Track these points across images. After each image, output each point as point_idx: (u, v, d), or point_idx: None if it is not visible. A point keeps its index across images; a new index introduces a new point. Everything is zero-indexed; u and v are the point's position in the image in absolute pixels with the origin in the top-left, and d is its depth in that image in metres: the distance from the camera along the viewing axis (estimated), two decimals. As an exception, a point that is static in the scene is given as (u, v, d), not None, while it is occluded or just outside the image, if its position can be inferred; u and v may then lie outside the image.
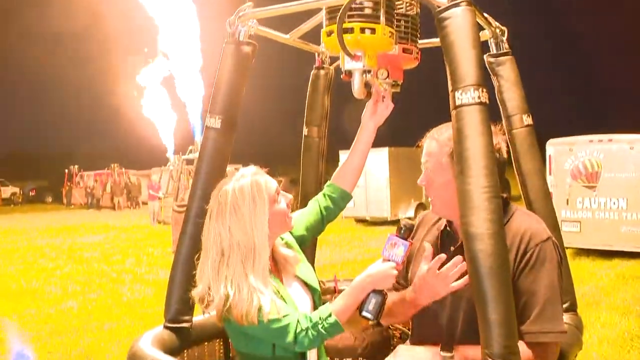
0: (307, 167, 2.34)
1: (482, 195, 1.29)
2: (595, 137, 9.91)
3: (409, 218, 1.92)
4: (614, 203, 9.64)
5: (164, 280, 8.60)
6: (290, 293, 1.79)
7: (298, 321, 1.65)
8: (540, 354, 1.48)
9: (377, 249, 9.20)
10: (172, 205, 12.08)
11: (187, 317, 1.84)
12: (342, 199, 1.99)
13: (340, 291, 2.00)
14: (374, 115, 1.96)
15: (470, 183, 1.31)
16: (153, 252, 11.96)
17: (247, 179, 1.67)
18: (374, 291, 1.68)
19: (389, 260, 1.68)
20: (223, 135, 1.74)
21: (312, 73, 2.30)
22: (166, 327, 1.82)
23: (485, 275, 1.24)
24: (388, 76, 1.86)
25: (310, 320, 1.66)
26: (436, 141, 1.71)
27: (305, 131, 2.35)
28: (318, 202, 1.98)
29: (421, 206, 15.72)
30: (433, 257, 1.71)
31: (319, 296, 1.88)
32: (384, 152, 14.52)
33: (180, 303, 1.80)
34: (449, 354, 1.49)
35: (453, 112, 1.35)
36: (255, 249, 1.66)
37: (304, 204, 2.09)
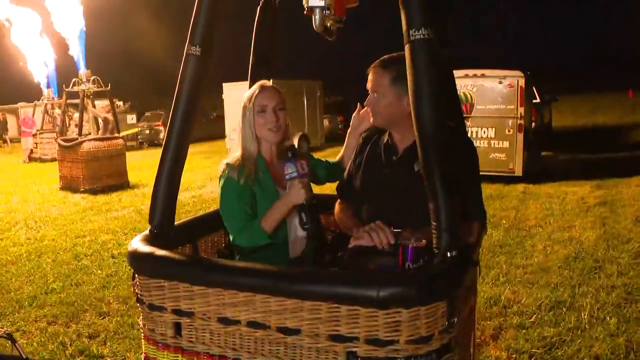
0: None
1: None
2: (470, 71, 10.87)
3: (292, 146, 2.19)
4: (484, 132, 10.78)
5: (59, 216, 8.53)
6: (280, 193, 2.25)
7: (242, 221, 2.19)
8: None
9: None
10: (58, 141, 11.52)
11: (169, 225, 2.11)
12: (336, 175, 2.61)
13: None
14: (362, 122, 2.55)
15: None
16: (39, 190, 11.45)
17: (255, 86, 2.34)
18: (299, 207, 2.11)
19: (303, 177, 2.12)
20: (202, 62, 1.98)
21: (259, 8, 2.55)
22: (151, 232, 2.08)
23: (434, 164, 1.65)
24: (335, 13, 2.19)
25: (249, 223, 2.17)
26: (381, 70, 2.13)
27: (252, 60, 2.63)
28: (327, 169, 2.64)
29: (304, 137, 16.43)
30: (380, 166, 2.16)
31: None
32: (245, 86, 14.63)
33: (163, 212, 2.06)
34: (398, 230, 1.92)
35: (407, 46, 1.72)
36: (243, 138, 2.28)
37: None
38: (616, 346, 3.60)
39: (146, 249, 1.90)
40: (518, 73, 10.58)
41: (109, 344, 3.96)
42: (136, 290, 1.95)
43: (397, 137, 2.22)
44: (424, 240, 1.73)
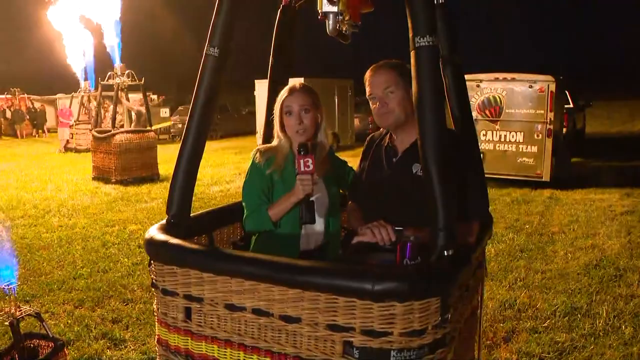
0: (273, 97, 2.73)
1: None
2: (500, 75, 10.80)
3: (304, 143, 2.27)
4: (513, 136, 10.69)
5: (90, 205, 8.81)
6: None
7: (254, 205, 2.33)
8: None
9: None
10: (93, 132, 11.86)
11: (185, 215, 2.23)
12: None
13: None
14: None
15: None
16: (72, 179, 11.81)
17: (283, 90, 2.44)
18: (301, 202, 2.23)
19: (303, 174, 2.19)
20: (220, 62, 2.09)
21: (279, 11, 2.66)
22: (168, 222, 2.20)
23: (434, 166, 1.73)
24: (350, 18, 2.28)
25: (259, 208, 2.32)
26: (387, 68, 2.23)
27: (271, 62, 2.73)
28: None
29: (334, 136, 16.58)
30: (381, 168, 2.26)
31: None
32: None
33: (180, 203, 2.18)
34: (399, 228, 2.00)
35: (412, 52, 1.80)
36: (277, 134, 2.42)
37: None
38: (629, 355, 3.60)
39: (161, 237, 2.02)
40: (549, 77, 10.47)
41: (130, 329, 4.12)
42: (152, 276, 2.08)
43: (397, 139, 2.31)
44: (422, 239, 1.81)
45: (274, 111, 2.44)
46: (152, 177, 11.44)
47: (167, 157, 14.67)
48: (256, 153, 2.42)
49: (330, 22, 2.14)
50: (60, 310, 4.49)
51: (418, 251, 1.79)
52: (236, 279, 1.82)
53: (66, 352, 3.10)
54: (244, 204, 2.40)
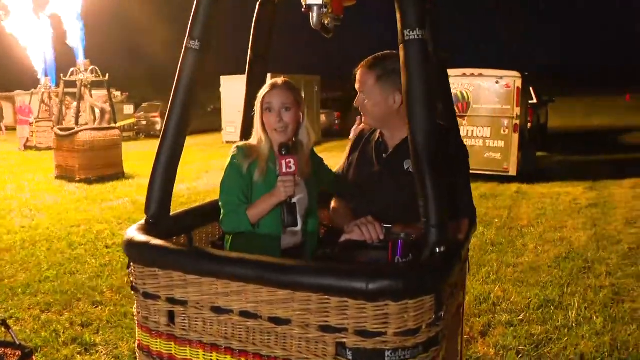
0: (251, 91, 2.66)
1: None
2: (467, 70, 10.92)
3: (285, 143, 2.20)
4: (480, 131, 10.84)
5: (54, 204, 8.55)
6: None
7: (232, 205, 2.23)
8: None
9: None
10: (55, 130, 11.52)
11: (165, 215, 2.15)
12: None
13: None
14: None
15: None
16: (34, 178, 11.44)
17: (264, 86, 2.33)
18: (283, 204, 2.15)
19: (286, 175, 2.12)
20: (201, 56, 2.01)
21: (258, 4, 2.59)
22: (147, 222, 2.12)
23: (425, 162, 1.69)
24: (333, 11, 2.23)
25: (236, 211, 2.22)
26: (366, 70, 2.19)
27: (250, 56, 2.66)
28: (330, 182, 2.56)
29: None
30: (371, 164, 2.22)
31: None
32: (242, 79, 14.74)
33: (159, 203, 2.09)
34: (387, 225, 1.97)
35: (401, 46, 1.76)
36: (256, 131, 2.32)
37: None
38: (601, 344, 3.67)
39: (142, 238, 1.94)
40: (515, 73, 10.63)
41: (101, 332, 3.99)
42: (131, 279, 1.99)
43: (387, 135, 2.27)
44: (413, 236, 1.77)
45: (255, 108, 2.35)
46: (117, 175, 11.18)
47: (132, 155, 14.35)
48: (235, 150, 2.33)
49: (315, 14, 2.09)
50: (26, 316, 4.32)
51: (409, 248, 1.76)
52: (222, 280, 1.76)
53: (34, 359, 2.98)
54: (221, 203, 2.31)
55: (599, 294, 4.57)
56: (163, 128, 2.09)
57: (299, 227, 2.33)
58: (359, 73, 2.25)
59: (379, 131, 2.32)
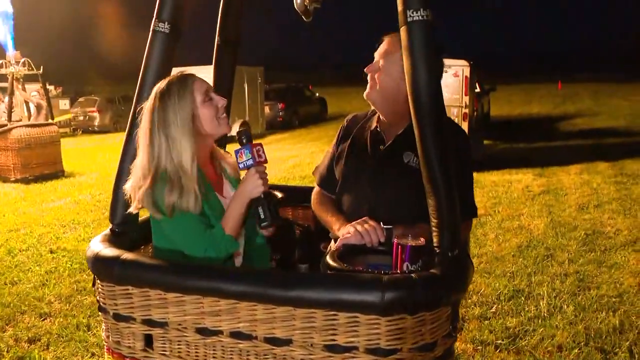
0: (219, 76, 2.43)
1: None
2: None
3: (244, 130, 1.96)
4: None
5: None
6: (223, 203, 1.93)
7: (201, 236, 1.77)
8: None
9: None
10: (-15, 127, 10.74)
11: (132, 222, 1.90)
12: None
13: None
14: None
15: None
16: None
17: (175, 77, 1.79)
18: (256, 200, 1.82)
19: (248, 169, 1.82)
20: (171, 40, 1.77)
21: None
22: (113, 231, 1.86)
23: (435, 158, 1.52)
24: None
25: (213, 239, 1.78)
26: (394, 41, 1.94)
27: (217, 42, 2.42)
28: None
29: (245, 124, 16.22)
30: (365, 155, 2.01)
31: None
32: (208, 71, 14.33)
33: (125, 207, 1.84)
34: (388, 226, 1.78)
35: (403, 28, 1.57)
36: (176, 140, 1.75)
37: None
38: (576, 334, 3.64)
39: (110, 252, 1.68)
40: (463, 62, 10.70)
41: (52, 348, 3.65)
42: (98, 298, 1.74)
43: (386, 123, 2.06)
44: (422, 239, 1.60)
45: (172, 113, 1.76)
46: (57, 174, 10.55)
47: (71, 152, 13.67)
48: (159, 200, 1.75)
49: (299, -5, 1.89)
50: (-37, 333, 3.91)
51: (419, 253, 1.59)
52: (209, 298, 1.54)
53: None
54: (186, 251, 1.77)
55: (565, 282, 4.57)
56: (129, 123, 1.83)
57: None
58: (389, 38, 2.01)
59: (375, 119, 2.11)
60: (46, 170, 10.44)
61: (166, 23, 1.75)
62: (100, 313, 1.74)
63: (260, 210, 1.81)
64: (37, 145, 10.31)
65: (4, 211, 7.85)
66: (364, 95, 2.05)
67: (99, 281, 1.71)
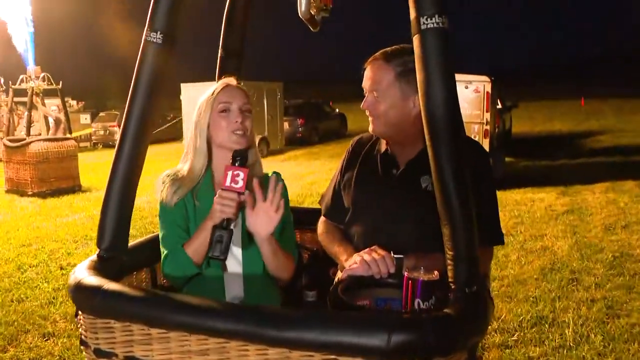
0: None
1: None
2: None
3: (242, 152, 1.88)
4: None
5: (3, 222, 7.91)
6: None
7: (170, 244, 1.87)
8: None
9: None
10: (4, 141, 10.82)
11: (121, 247, 1.76)
12: None
13: None
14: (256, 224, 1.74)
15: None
16: (-19, 193, 10.71)
17: (213, 86, 1.96)
18: (215, 228, 1.69)
19: (230, 190, 1.69)
20: (164, 51, 1.63)
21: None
22: (100, 257, 1.72)
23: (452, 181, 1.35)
24: (322, 0, 1.89)
25: (174, 246, 1.85)
26: (384, 64, 1.78)
27: (221, 54, 2.29)
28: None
29: (264, 140, 16.15)
30: (377, 181, 1.84)
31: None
32: (204, 87, 14.25)
33: (115, 233, 1.70)
34: (399, 256, 1.61)
35: (417, 36, 1.42)
36: (197, 140, 1.93)
37: None
38: (605, 367, 3.41)
39: (92, 280, 1.54)
40: (484, 78, 10.50)
41: (52, 371, 3.53)
42: (80, 331, 1.59)
43: (399, 146, 1.89)
44: (435, 272, 1.43)
45: (197, 114, 1.93)
46: (74, 189, 10.56)
47: (89, 167, 13.73)
48: (162, 186, 2.00)
49: (303, 2, 1.74)
50: (-36, 353, 3.81)
51: (432, 288, 1.41)
52: (197, 335, 1.38)
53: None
54: (161, 246, 1.90)
55: (592, 309, 4.32)
56: (119, 139, 1.70)
57: (237, 267, 1.88)
58: (371, 68, 1.84)
59: (383, 142, 1.94)
60: (63, 184, 10.45)
61: (158, 33, 1.61)
62: (81, 347, 1.59)
63: (214, 241, 1.67)
64: (55, 160, 10.33)
65: (18, 225, 7.82)
66: (370, 131, 1.92)
67: (81, 313, 1.56)
